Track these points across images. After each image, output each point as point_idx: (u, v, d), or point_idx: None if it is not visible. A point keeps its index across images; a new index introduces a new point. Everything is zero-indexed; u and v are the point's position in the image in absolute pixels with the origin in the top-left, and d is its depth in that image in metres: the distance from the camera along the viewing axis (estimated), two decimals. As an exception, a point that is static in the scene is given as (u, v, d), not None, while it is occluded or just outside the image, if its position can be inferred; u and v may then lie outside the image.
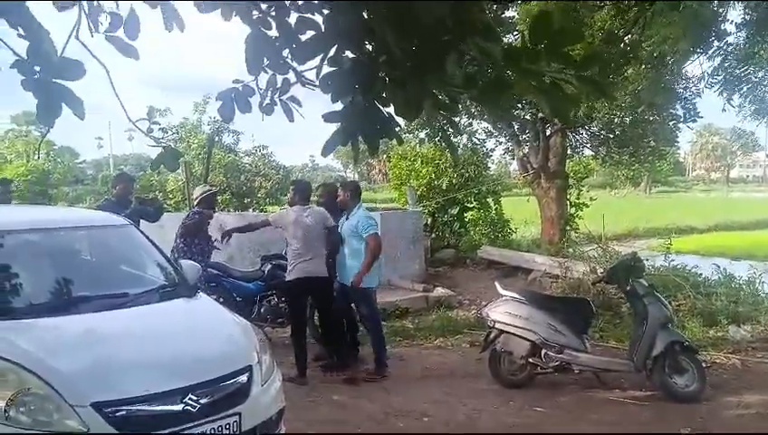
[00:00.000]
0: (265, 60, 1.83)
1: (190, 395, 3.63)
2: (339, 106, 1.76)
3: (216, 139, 17.19)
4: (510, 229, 15.67)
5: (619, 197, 46.18)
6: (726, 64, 8.30)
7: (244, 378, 3.97)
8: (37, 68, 1.70)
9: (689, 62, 9.20)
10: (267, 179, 16.10)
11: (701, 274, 10.05)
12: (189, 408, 3.60)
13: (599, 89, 1.81)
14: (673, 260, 10.85)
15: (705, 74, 8.37)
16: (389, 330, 8.53)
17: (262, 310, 7.74)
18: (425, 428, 5.32)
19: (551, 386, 6.27)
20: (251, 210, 15.99)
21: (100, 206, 7.61)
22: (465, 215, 15.94)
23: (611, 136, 13.48)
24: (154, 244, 5.18)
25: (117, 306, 4.22)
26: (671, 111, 11.52)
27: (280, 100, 2.09)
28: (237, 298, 7.73)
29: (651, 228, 25.36)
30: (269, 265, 7.87)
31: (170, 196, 16.18)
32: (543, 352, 6.17)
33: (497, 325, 6.35)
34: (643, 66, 7.38)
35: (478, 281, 12.34)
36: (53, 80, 1.69)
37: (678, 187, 69.26)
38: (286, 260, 7.76)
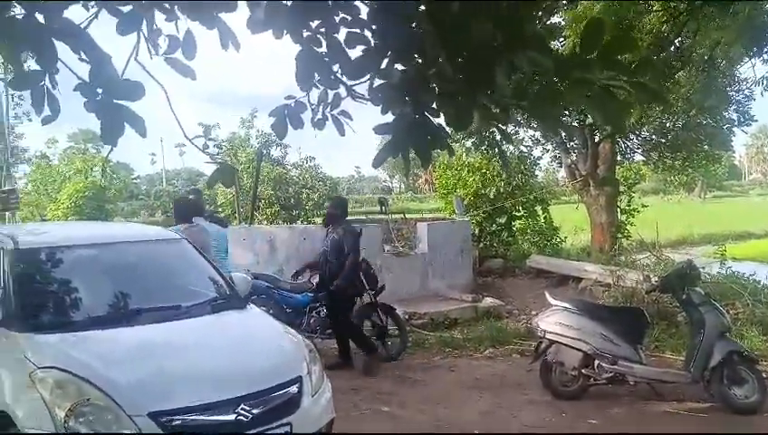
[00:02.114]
0: (316, 76, 1.87)
1: (242, 405, 3.70)
2: (389, 118, 1.78)
3: (265, 152, 17.46)
4: (559, 238, 15.46)
5: (673, 202, 44.97)
6: (783, 65, 8.04)
7: (294, 389, 4.03)
8: (99, 90, 1.78)
9: (742, 64, 8.93)
10: (314, 191, 16.25)
11: (759, 281, 9.71)
12: (242, 417, 3.67)
13: (652, 94, 1.78)
14: (730, 267, 10.52)
15: (764, 79, 8.09)
16: (439, 340, 8.51)
17: (311, 321, 7.80)
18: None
19: (604, 398, 6.14)
20: (299, 222, 16.14)
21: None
22: (513, 224, 15.79)
23: (663, 141, 13.18)
24: (206, 257, 5.31)
25: (170, 318, 4.33)
26: (725, 114, 11.20)
27: (331, 114, 2.12)
28: (287, 309, 7.82)
29: (706, 235, 24.60)
30: (317, 276, 7.94)
31: (220, 209, 16.51)
32: (596, 362, 6.05)
33: (548, 335, 6.26)
34: (695, 70, 7.20)
35: (527, 291, 12.18)
36: (115, 101, 1.77)
37: (734, 191, 67.06)
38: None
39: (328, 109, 2.10)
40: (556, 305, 6.37)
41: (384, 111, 1.75)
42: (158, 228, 5.84)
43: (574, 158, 13.82)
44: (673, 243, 22.34)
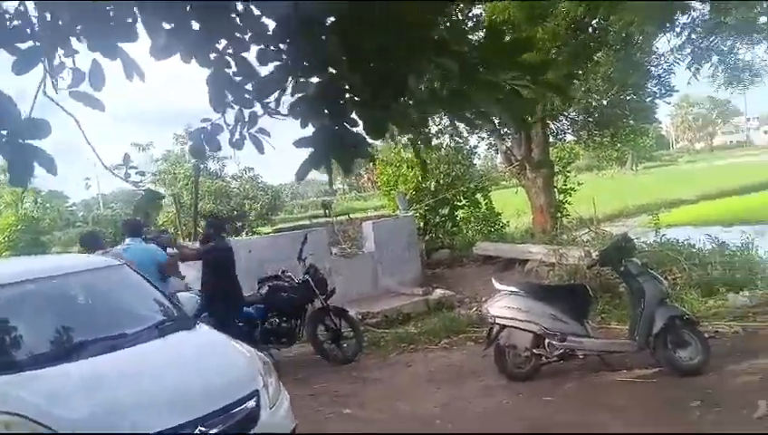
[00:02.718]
0: (229, 96, 1.86)
1: (200, 427, 3.65)
2: (311, 131, 1.79)
3: (202, 166, 17.19)
4: (502, 223, 15.75)
5: (607, 178, 46.33)
6: (694, 37, 8.40)
7: (252, 403, 4.00)
8: (4, 132, 1.72)
9: (658, 38, 9.29)
10: (256, 201, 16.12)
11: (694, 244, 10.12)
12: None
13: (556, 89, 1.85)
14: (665, 235, 10.93)
15: (674, 49, 8.46)
16: (394, 337, 8.57)
17: (264, 332, 7.73)
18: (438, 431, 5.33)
19: (558, 375, 6.30)
20: (244, 234, 15.97)
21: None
22: (457, 214, 16.01)
23: (590, 120, 13.58)
24: (149, 281, 5.20)
25: (117, 347, 4.23)
26: (646, 88, 11.60)
27: (249, 133, 2.11)
28: (239, 323, 7.73)
29: (641, 205, 25.44)
30: (266, 288, 7.88)
31: (163, 228, 16.20)
32: (546, 341, 6.20)
33: (498, 320, 6.38)
34: (612, 49, 7.45)
35: (476, 278, 12.37)
36: (21, 141, 1.71)
37: (664, 161, 69.56)
38: (284, 281, 7.84)
39: (245, 128, 2.09)
40: (503, 290, 6.50)
41: (303, 125, 1.76)
42: (97, 257, 5.67)
43: (509, 144, 14.08)
44: (610, 217, 23.07)
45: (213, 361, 4.31)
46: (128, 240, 7.20)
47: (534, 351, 6.24)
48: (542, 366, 6.32)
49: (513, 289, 6.46)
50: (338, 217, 13.97)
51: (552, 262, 10.57)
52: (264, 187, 17.02)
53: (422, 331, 8.67)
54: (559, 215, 13.54)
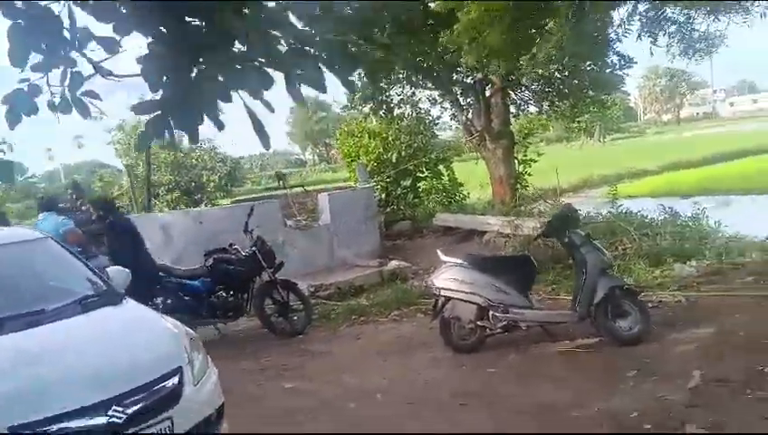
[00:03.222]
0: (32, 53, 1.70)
1: (114, 407, 3.51)
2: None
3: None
4: (462, 194, 15.72)
5: (575, 149, 46.66)
6: (644, 8, 8.33)
7: (173, 381, 3.86)
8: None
9: (615, 8, 9.19)
10: (215, 173, 15.84)
11: (647, 215, 10.21)
12: (115, 419, 3.47)
13: (495, 52, 1.74)
14: (621, 205, 11.02)
15: (623, 20, 8.39)
16: (345, 309, 8.50)
17: (211, 306, 7.61)
18: (379, 405, 5.29)
19: (501, 346, 6.30)
20: (203, 205, 15.71)
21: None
22: (419, 185, 15.93)
23: (550, 90, 13.51)
24: (75, 254, 5.02)
25: (34, 324, 4.06)
26: (605, 59, 11.55)
27: (73, 95, 1.95)
28: (185, 297, 7.59)
29: (605, 176, 25.70)
30: (211, 261, 7.72)
31: (117, 201, 15.85)
32: (490, 313, 6.18)
33: (443, 293, 6.34)
34: (564, 18, 7.36)
35: (434, 249, 12.33)
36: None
37: (632, 132, 70.22)
38: (230, 253, 7.70)
39: (70, 90, 1.93)
40: (448, 262, 6.45)
41: (153, 90, 1.62)
42: (21, 229, 5.45)
43: (470, 114, 13.98)
44: (575, 187, 23.27)
45: (137, 337, 4.16)
46: (41, 214, 7.10)
47: (478, 323, 6.22)
48: (487, 338, 6.31)
49: (458, 261, 6.41)
50: (294, 189, 13.76)
51: (509, 233, 10.60)
52: (224, 158, 16.72)
53: (374, 303, 8.62)
54: (518, 186, 13.53)
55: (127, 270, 5.36)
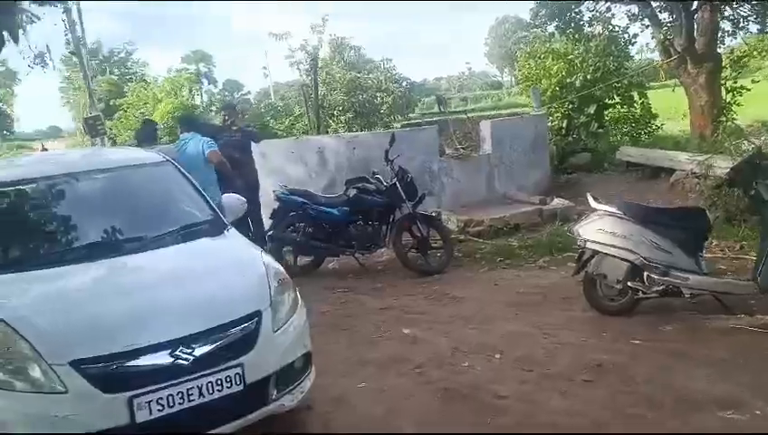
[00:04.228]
0: None
1: (182, 347, 3.33)
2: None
3: (338, 58, 16.82)
4: (656, 125, 13.88)
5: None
6: None
7: (249, 325, 3.58)
8: None
9: None
10: (389, 94, 15.53)
11: None
12: (181, 361, 3.28)
13: None
14: None
15: None
16: (492, 249, 7.86)
17: (347, 236, 7.40)
18: (492, 368, 4.69)
19: (657, 313, 5.32)
20: (377, 128, 15.59)
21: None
22: (606, 113, 14.36)
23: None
24: (190, 180, 4.92)
25: (129, 251, 4.02)
26: None
27: None
28: (325, 225, 7.46)
29: None
30: (353, 190, 7.45)
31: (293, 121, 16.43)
32: (645, 274, 5.19)
33: (589, 245, 5.45)
34: None
35: (613, 187, 11.09)
36: None
37: None
38: (370, 183, 7.37)
39: None
40: (600, 210, 5.51)
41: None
42: (142, 152, 5.48)
43: (669, 33, 12.03)
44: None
45: (222, 274, 3.90)
46: (184, 134, 7.17)
47: (629, 284, 5.27)
48: (639, 302, 5.35)
49: (611, 209, 5.43)
50: (455, 115, 13.01)
51: (702, 174, 9.04)
52: (399, 79, 16.31)
53: (524, 245, 7.87)
54: (723, 118, 11.51)
55: (242, 199, 5.21)
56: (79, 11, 16.31)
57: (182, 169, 5.01)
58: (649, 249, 5.15)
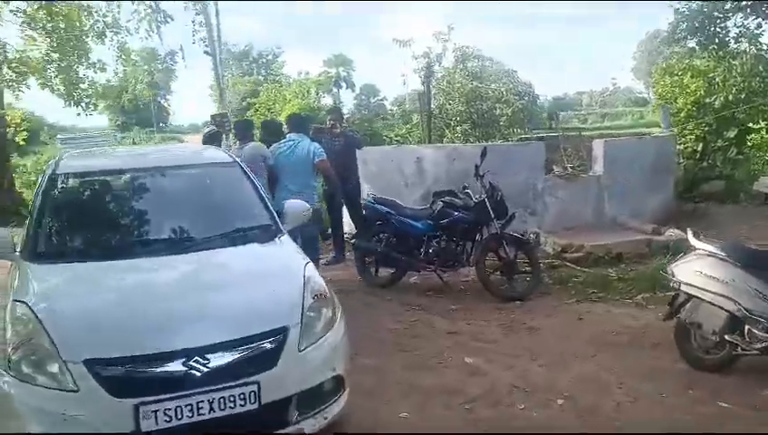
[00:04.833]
0: None
1: (197, 358, 3.22)
2: None
3: (461, 66, 16.46)
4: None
5: None
6: None
7: (272, 341, 3.41)
8: None
9: None
10: (508, 105, 14.97)
11: None
12: (194, 372, 3.18)
13: None
14: None
15: None
16: (587, 278, 7.24)
17: (429, 251, 7.09)
18: (549, 416, 4.22)
19: (758, 374, 4.57)
20: (495, 140, 15.08)
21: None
22: (748, 138, 12.98)
23: None
24: (254, 183, 4.86)
25: (175, 252, 4.02)
26: None
27: None
28: (407, 237, 7.21)
29: None
30: (439, 204, 7.13)
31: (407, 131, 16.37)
32: (747, 327, 4.48)
33: (684, 288, 4.80)
34: None
35: (745, 221, 10.00)
36: None
37: None
38: (458, 197, 7.05)
39: None
40: (700, 248, 4.83)
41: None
42: (214, 152, 5.49)
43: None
44: None
45: (254, 284, 3.76)
46: (292, 135, 7.13)
47: (727, 337, 4.57)
48: (737, 358, 4.63)
49: (713, 249, 4.74)
50: (567, 132, 12.22)
51: None
52: (520, 91, 15.67)
53: (623, 277, 7.16)
54: None
55: (306, 205, 5.10)
56: (217, 12, 17.23)
57: (248, 172, 4.96)
58: (753, 299, 4.44)
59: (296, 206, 4.96)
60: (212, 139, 7.76)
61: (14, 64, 11.51)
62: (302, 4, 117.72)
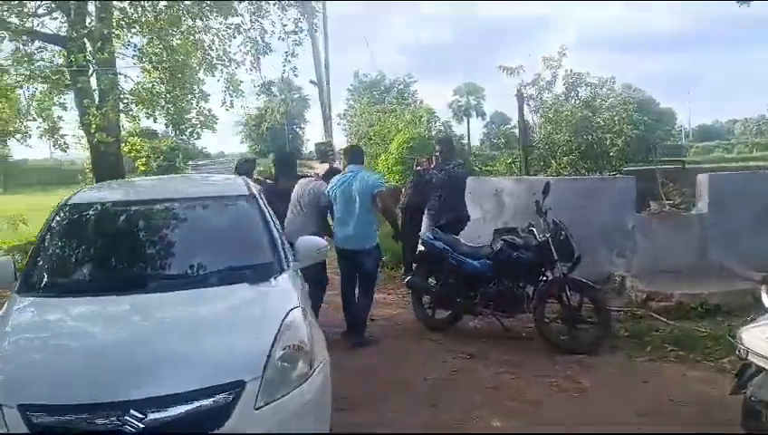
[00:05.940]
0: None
1: (134, 412, 2.97)
2: None
3: (572, 93, 15.55)
4: None
5: None
6: None
7: (224, 396, 3.11)
8: None
9: None
10: (619, 137, 13.86)
11: None
12: (129, 427, 2.95)
13: None
14: None
15: None
16: (670, 333, 6.33)
17: (486, 293, 6.52)
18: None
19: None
20: (604, 172, 14.02)
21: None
22: None
23: None
24: (266, 217, 4.62)
25: (154, 290, 3.86)
26: None
27: None
28: (463, 278, 6.68)
29: None
30: (500, 242, 6.56)
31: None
32: (827, 413, 3.59)
33: (752, 358, 3.96)
34: None
35: None
36: None
37: None
38: (520, 236, 6.48)
39: None
40: (775, 312, 3.99)
41: None
42: (237, 183, 5.26)
43: None
44: None
45: (221, 331, 3.46)
46: (350, 166, 6.81)
47: (802, 421, 3.69)
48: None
49: (789, 312, 3.88)
50: (667, 165, 10.94)
51: None
52: (634, 121, 14.44)
53: (713, 334, 6.17)
54: None
55: (323, 243, 4.79)
56: (326, 42, 17.62)
57: (263, 207, 4.74)
58: (836, 379, 3.56)
59: (309, 242, 4.67)
60: (244, 168, 7.82)
61: (127, 96, 12.28)
62: (440, 33, 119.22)
